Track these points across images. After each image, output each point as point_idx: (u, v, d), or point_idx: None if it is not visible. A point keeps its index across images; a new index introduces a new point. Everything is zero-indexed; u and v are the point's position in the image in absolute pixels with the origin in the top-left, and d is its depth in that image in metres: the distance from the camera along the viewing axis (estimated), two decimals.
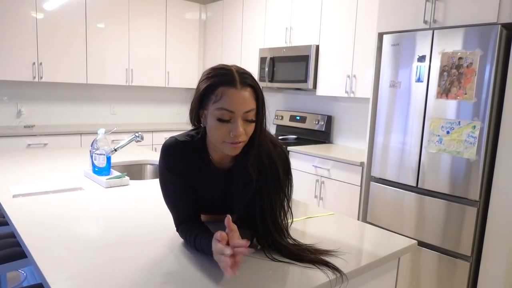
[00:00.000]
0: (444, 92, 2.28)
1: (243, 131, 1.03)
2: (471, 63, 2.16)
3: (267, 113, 1.12)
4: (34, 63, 3.76)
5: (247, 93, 1.03)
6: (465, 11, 2.21)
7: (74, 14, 3.94)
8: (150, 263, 1.04)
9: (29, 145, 3.61)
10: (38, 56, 3.78)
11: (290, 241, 1.15)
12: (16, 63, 3.67)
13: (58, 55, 3.89)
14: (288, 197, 1.16)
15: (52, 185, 1.77)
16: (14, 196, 1.58)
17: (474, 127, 2.16)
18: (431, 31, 2.34)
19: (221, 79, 1.02)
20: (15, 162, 2.21)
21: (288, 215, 1.17)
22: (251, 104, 1.03)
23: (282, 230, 1.14)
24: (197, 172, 1.17)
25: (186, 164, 1.16)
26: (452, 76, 2.24)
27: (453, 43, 2.23)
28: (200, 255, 1.10)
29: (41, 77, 3.82)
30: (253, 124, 1.06)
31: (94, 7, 4.05)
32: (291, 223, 1.18)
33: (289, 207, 1.16)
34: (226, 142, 1.04)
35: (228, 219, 0.97)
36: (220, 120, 1.02)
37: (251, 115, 1.04)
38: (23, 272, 2.74)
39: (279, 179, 1.12)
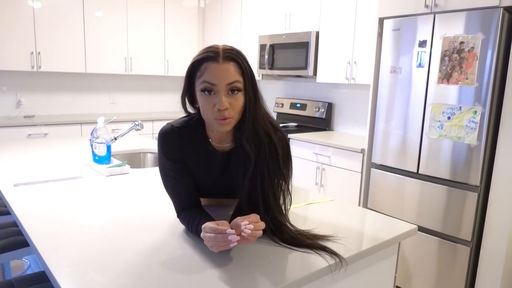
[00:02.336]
0: (445, 77, 2.27)
1: (227, 104, 1.02)
2: (472, 48, 2.13)
3: (263, 94, 1.11)
4: (32, 53, 3.74)
5: (229, 66, 1.03)
6: None
7: (72, 2, 3.90)
8: (151, 249, 1.05)
9: (29, 135, 3.61)
10: (36, 45, 3.75)
11: (289, 225, 1.15)
12: (14, 53, 3.65)
13: (56, 44, 3.86)
14: (287, 181, 1.16)
15: (53, 174, 1.77)
16: (15, 185, 1.59)
17: (475, 112, 2.15)
18: (432, 15, 2.31)
19: (205, 56, 1.04)
20: (16, 152, 2.21)
21: (287, 200, 1.17)
22: (234, 76, 1.03)
23: (282, 211, 1.14)
24: (196, 156, 1.17)
25: (184, 149, 1.16)
26: (453, 61, 2.22)
27: (455, 28, 2.21)
28: (201, 241, 1.10)
29: (40, 67, 3.80)
30: (240, 98, 1.05)
31: None
32: (289, 208, 1.18)
33: (289, 191, 1.16)
34: (215, 118, 1.04)
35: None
36: (204, 93, 1.03)
37: (236, 87, 1.04)
38: (26, 260, 2.76)
39: (278, 161, 1.12)
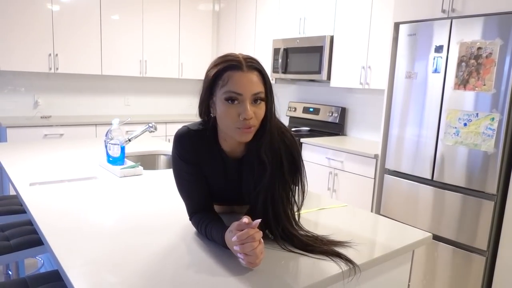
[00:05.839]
0: (462, 83, 2.23)
1: (253, 114, 1.02)
2: (490, 53, 2.10)
3: (276, 102, 1.11)
4: (50, 55, 3.81)
5: (254, 76, 1.03)
6: None
7: (89, 6, 3.97)
8: (163, 251, 1.05)
9: (45, 135, 3.67)
10: (54, 47, 3.82)
11: (302, 232, 1.14)
12: (32, 55, 3.73)
13: (74, 46, 3.93)
14: (294, 190, 1.15)
15: (68, 174, 1.80)
16: (31, 185, 1.61)
17: (493, 119, 2.11)
18: (449, 20, 2.28)
19: (227, 64, 1.03)
20: (32, 152, 2.25)
21: (297, 207, 1.16)
22: (259, 87, 1.03)
23: (293, 220, 1.14)
24: (208, 161, 1.18)
25: (199, 153, 1.16)
26: (471, 67, 2.18)
27: (472, 33, 2.17)
28: (212, 243, 1.10)
29: (57, 69, 3.87)
30: (263, 108, 1.05)
31: None
32: (299, 217, 1.17)
33: (293, 197, 1.15)
34: (238, 128, 1.03)
35: (248, 220, 0.96)
36: (227, 102, 1.02)
37: (260, 98, 1.04)
38: (40, 259, 2.80)
39: (284, 171, 1.11)
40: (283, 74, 3.83)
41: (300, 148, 3.37)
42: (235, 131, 1.05)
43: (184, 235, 1.17)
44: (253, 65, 1.04)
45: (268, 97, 1.06)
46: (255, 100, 1.03)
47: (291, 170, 1.14)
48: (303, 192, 1.17)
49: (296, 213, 1.17)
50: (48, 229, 1.17)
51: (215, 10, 4.87)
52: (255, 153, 1.10)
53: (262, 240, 0.95)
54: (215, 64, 1.06)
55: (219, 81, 1.04)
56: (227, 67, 1.03)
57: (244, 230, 0.94)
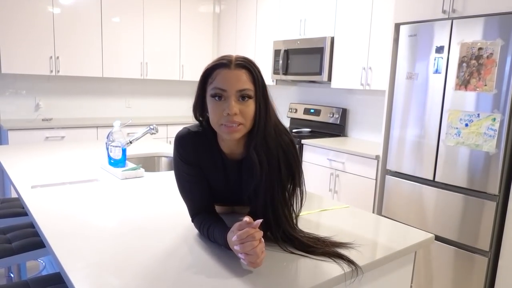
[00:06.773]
0: (463, 83, 2.23)
1: (237, 110, 1.02)
2: (491, 54, 2.10)
3: (274, 103, 1.11)
4: (51, 57, 3.82)
5: (241, 73, 1.04)
6: None
7: (90, 8, 3.98)
8: (165, 252, 1.05)
9: (47, 137, 3.68)
10: (55, 50, 3.83)
11: (302, 234, 1.14)
12: (33, 58, 3.73)
13: (75, 49, 3.94)
14: (292, 194, 1.15)
15: (70, 177, 1.80)
16: (32, 187, 1.62)
17: (494, 119, 2.11)
18: (450, 21, 2.28)
19: (217, 63, 1.05)
20: (34, 154, 2.25)
21: (294, 213, 1.16)
22: (246, 84, 1.03)
23: (292, 222, 1.14)
24: (208, 162, 1.18)
25: (199, 154, 1.16)
26: (472, 67, 2.18)
27: (473, 33, 2.17)
28: (214, 245, 1.10)
29: (58, 71, 3.87)
30: (251, 106, 1.04)
31: (109, 1, 4.08)
32: (296, 219, 1.17)
33: (290, 200, 1.14)
34: (223, 124, 1.04)
35: (249, 220, 0.96)
36: (214, 99, 1.04)
37: (247, 95, 1.03)
38: (42, 261, 2.80)
39: (282, 174, 1.11)
40: (284, 75, 3.83)
41: (302, 150, 3.37)
42: (221, 128, 1.05)
43: (186, 236, 1.17)
44: (242, 63, 1.04)
45: (258, 96, 1.06)
46: (242, 97, 1.03)
47: (289, 175, 1.13)
48: (301, 200, 1.16)
49: (294, 218, 1.16)
50: (49, 232, 1.17)
51: (215, 12, 4.87)
52: (249, 153, 1.10)
53: (262, 240, 0.95)
54: (208, 64, 1.08)
55: (209, 79, 1.06)
56: (216, 65, 1.05)
57: (244, 229, 0.94)
